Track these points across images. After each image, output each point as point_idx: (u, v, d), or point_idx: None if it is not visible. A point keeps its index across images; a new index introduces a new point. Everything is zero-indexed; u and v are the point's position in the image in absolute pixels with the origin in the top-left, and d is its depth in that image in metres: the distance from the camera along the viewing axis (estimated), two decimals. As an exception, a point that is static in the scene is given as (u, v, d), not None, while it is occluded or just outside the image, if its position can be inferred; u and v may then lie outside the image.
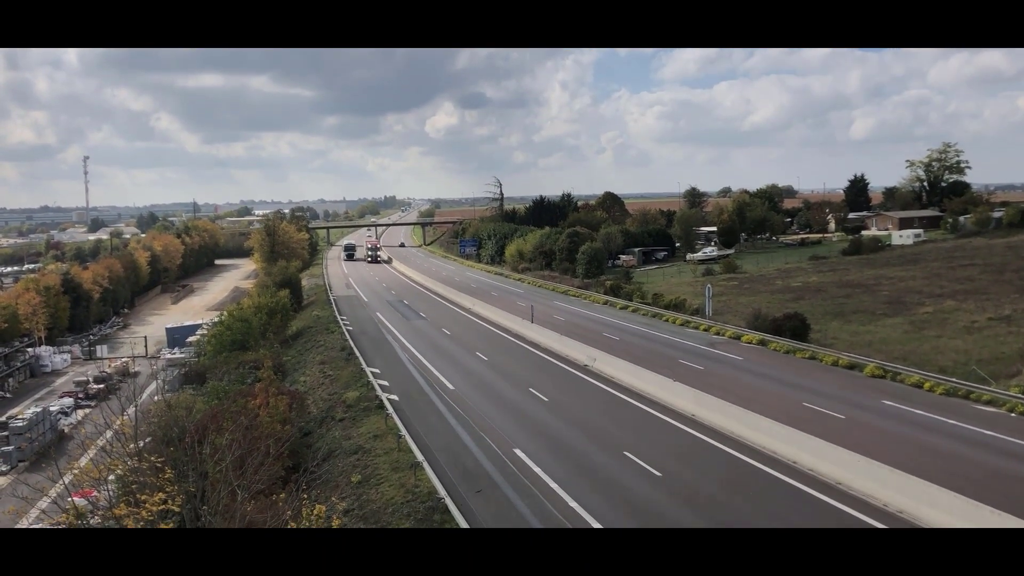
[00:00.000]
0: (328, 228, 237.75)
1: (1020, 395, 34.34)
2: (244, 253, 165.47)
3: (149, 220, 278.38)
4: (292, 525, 17.73)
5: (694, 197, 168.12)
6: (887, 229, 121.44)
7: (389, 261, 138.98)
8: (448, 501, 24.29)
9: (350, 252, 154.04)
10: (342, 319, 68.41)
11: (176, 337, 79.64)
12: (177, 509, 18.94)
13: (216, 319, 70.83)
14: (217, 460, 21.67)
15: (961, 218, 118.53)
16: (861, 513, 23.17)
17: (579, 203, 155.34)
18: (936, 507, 22.15)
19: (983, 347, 44.57)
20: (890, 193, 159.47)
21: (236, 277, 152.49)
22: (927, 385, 37.46)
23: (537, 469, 27.85)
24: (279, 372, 51.83)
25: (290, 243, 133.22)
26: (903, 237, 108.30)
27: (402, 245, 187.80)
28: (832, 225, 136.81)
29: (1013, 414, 33.16)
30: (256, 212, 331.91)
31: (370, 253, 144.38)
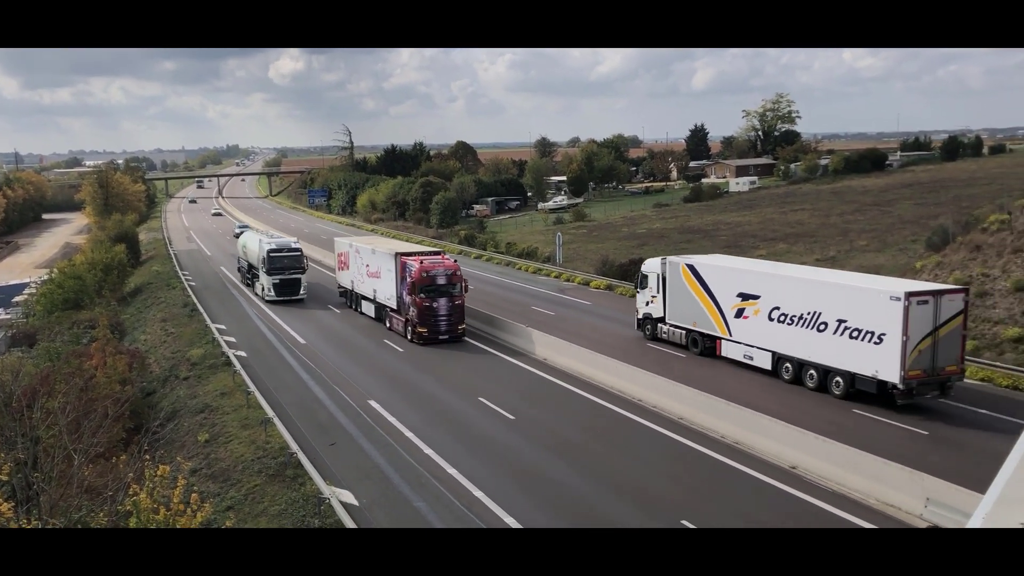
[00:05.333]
0: (167, 179, 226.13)
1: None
2: (75, 207, 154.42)
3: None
4: (135, 487, 17.02)
5: (545, 147, 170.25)
6: (725, 177, 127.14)
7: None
8: (301, 455, 23.95)
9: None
10: (184, 274, 65.55)
11: (0, 297, 74.24)
12: (6, 478, 17.81)
13: (46, 277, 66.32)
14: (50, 424, 20.49)
15: (792, 166, 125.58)
16: (700, 445, 24.50)
17: (432, 153, 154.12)
18: (768, 436, 23.72)
19: (810, 287, 47.64)
20: (728, 142, 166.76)
21: (67, 232, 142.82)
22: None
23: (392, 419, 27.84)
24: (117, 331, 49.26)
25: (125, 195, 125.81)
26: (740, 184, 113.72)
27: (192, 201, 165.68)
28: (675, 173, 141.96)
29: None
30: (87, 163, 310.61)
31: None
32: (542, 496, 21.32)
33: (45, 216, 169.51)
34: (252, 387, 31.40)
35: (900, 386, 26.11)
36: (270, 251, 51.18)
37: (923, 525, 18.59)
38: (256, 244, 54.06)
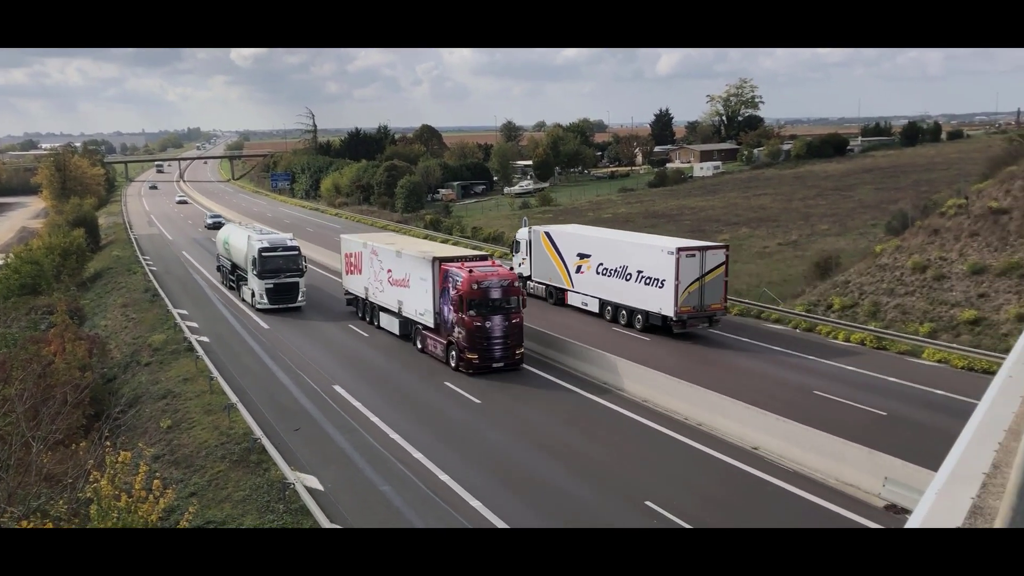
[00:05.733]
0: (126, 163, 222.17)
1: (803, 313, 37.59)
2: (31, 190, 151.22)
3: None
4: (95, 474, 16.81)
5: (510, 131, 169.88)
6: (689, 162, 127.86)
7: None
8: (265, 441, 23.79)
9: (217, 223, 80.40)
10: (145, 259, 64.60)
11: (-47, 283, 72.48)
12: (-39, 467, 17.53)
13: (1, 262, 65.03)
14: (6, 412, 20.18)
15: (755, 150, 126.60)
16: (664, 427, 24.74)
17: (396, 136, 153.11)
18: (728, 417, 24.04)
19: (773, 270, 48.27)
20: (692, 127, 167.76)
21: (23, 216, 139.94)
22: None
23: (357, 404, 27.76)
24: (76, 316, 48.48)
25: (83, 179, 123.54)
26: (704, 169, 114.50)
27: (153, 187, 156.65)
28: (640, 158, 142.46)
29: (797, 330, 36.29)
30: (43, 146, 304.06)
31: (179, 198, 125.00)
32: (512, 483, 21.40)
33: (0, 200, 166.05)
34: (215, 373, 31.12)
35: (674, 318, 34.29)
36: (262, 250, 42.65)
37: (881, 504, 18.96)
38: (243, 241, 45.43)
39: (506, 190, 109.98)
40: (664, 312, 34.58)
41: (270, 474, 22.15)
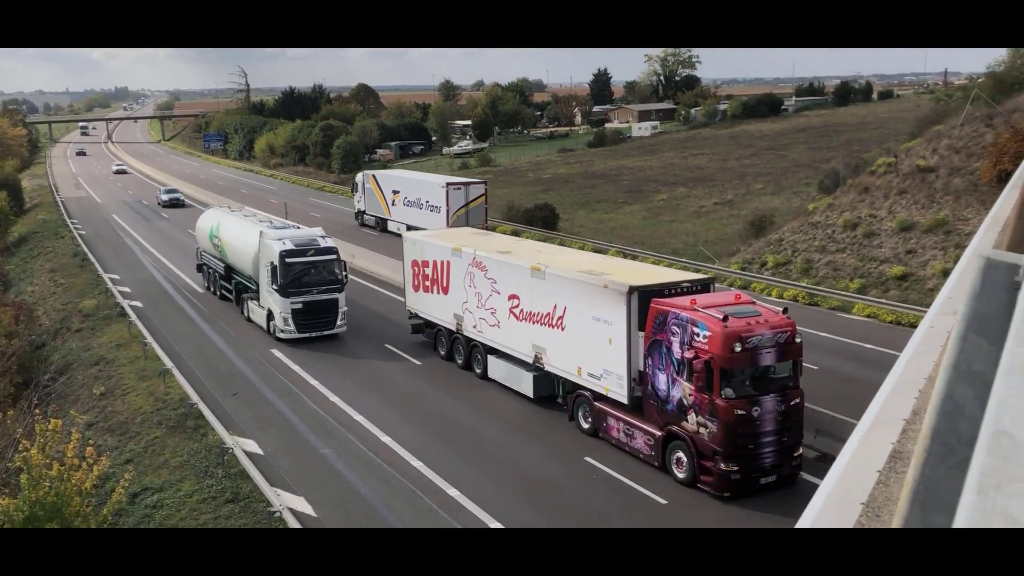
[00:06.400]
0: (50, 123, 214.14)
1: (738, 271, 38.31)
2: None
3: None
4: (25, 443, 16.41)
5: (448, 90, 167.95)
6: (628, 122, 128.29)
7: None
8: (202, 406, 23.49)
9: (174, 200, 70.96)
10: (72, 222, 62.62)
11: None
12: None
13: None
14: (-72, 381, 19.52)
15: (692, 111, 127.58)
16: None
17: (332, 96, 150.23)
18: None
19: (709, 229, 49.00)
20: (631, 87, 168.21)
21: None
22: (662, 265, 40.63)
23: (296, 367, 27.51)
24: (1, 282, 46.94)
25: (4, 140, 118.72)
26: (642, 129, 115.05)
27: (81, 153, 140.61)
28: (579, 118, 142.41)
29: (732, 288, 36.94)
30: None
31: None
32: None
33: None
34: (149, 338, 30.51)
35: None
36: (286, 254, 29.90)
37: (813, 455, 19.56)
38: (248, 237, 32.72)
39: (445, 150, 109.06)
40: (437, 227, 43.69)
41: (208, 439, 21.91)
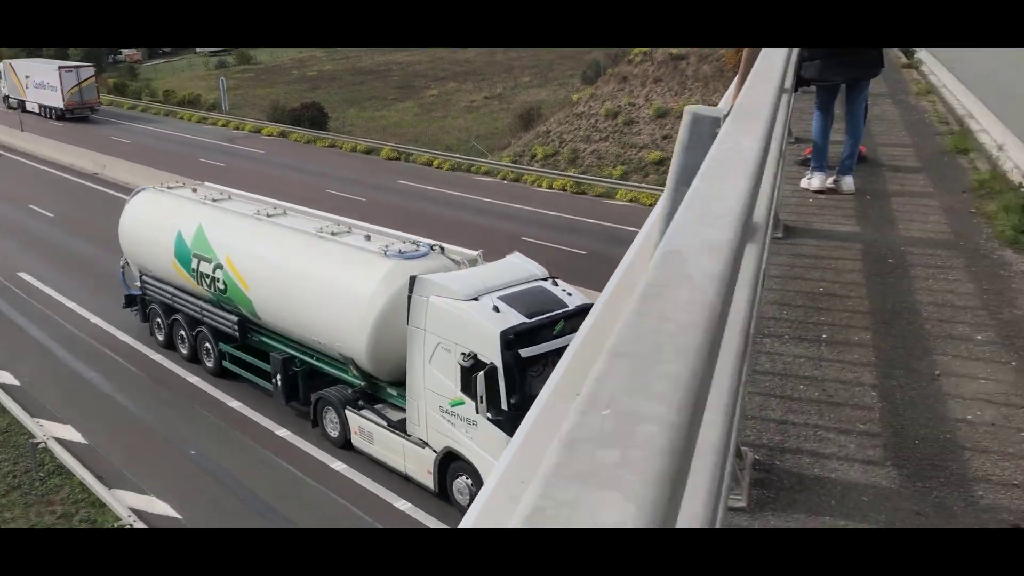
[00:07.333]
0: None
1: (510, 164, 39.14)
2: None
3: None
4: None
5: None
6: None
7: None
8: (-60, 340, 21.24)
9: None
10: None
11: None
12: None
13: None
14: None
15: None
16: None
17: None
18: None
19: (481, 124, 49.47)
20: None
21: None
22: (436, 162, 40.76)
23: (49, 290, 25.39)
24: None
25: None
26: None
27: None
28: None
29: (505, 181, 37.79)
30: None
31: None
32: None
33: None
34: None
35: (63, 108, 55.09)
36: (513, 339, 13.07)
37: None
38: (366, 286, 15.08)
39: (198, 49, 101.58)
40: (56, 105, 55.54)
41: (-49, 376, 19.94)
